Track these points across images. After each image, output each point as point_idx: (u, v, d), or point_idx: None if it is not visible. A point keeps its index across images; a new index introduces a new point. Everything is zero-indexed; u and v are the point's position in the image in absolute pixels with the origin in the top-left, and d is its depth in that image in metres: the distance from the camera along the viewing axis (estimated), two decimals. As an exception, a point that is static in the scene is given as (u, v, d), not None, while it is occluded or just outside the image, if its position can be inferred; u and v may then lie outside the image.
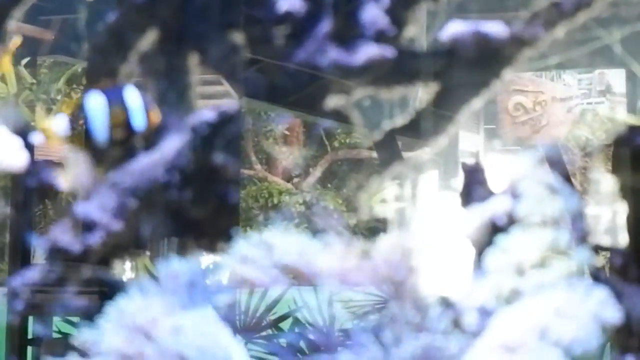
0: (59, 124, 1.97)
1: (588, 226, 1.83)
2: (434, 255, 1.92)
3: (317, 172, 14.17)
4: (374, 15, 1.79)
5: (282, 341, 4.47)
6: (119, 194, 1.82)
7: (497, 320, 1.73)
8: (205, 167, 1.84)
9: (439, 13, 1.92)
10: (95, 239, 1.83)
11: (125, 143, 1.93)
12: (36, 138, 2.02)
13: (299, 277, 1.91)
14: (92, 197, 1.85)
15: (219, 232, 1.94)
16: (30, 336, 3.96)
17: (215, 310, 1.84)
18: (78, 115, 1.97)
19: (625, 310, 1.72)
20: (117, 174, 1.84)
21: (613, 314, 1.69)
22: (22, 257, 3.93)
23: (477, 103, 1.86)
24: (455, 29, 1.82)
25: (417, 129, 1.92)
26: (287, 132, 14.15)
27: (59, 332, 4.35)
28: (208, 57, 1.87)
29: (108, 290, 1.91)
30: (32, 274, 2.02)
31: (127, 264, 2.96)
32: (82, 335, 1.82)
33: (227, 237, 1.90)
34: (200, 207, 1.88)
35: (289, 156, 14.19)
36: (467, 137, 9.45)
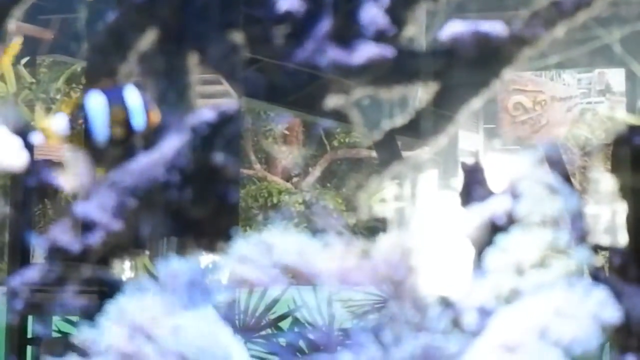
0: (58, 123, 1.97)
1: (587, 226, 1.83)
2: (433, 255, 1.92)
3: (316, 172, 14.17)
4: (373, 15, 1.79)
5: (282, 341, 4.47)
6: (119, 193, 1.82)
7: (496, 320, 1.73)
8: (204, 167, 1.84)
9: (438, 13, 1.92)
10: (95, 239, 1.82)
11: (125, 143, 1.93)
12: (36, 138, 2.02)
13: (298, 276, 1.91)
14: (92, 196, 1.85)
15: (218, 231, 1.94)
16: (29, 335, 3.96)
17: (215, 309, 1.84)
18: (77, 115, 1.97)
19: (624, 310, 1.72)
20: (116, 174, 1.84)
21: (612, 313, 1.69)
22: (21, 257, 3.93)
23: (476, 103, 1.86)
24: (454, 28, 1.82)
25: (416, 129, 1.92)
26: (286, 132, 14.15)
27: (59, 331, 4.35)
28: (208, 57, 1.87)
29: (107, 290, 1.91)
30: (32, 274, 2.02)
31: (127, 264, 2.95)
32: (82, 334, 1.82)
33: (227, 237, 1.90)
34: (199, 206, 1.88)
35: (288, 156, 14.18)
36: (466, 137, 9.44)
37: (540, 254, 1.76)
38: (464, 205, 1.88)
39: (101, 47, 1.95)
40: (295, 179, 14.35)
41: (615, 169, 1.98)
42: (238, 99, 2.00)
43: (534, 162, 1.86)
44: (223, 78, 2.04)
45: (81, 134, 1.96)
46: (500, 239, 1.79)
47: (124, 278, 2.12)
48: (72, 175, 1.96)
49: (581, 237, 1.80)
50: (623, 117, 9.55)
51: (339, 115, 1.97)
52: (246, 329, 4.53)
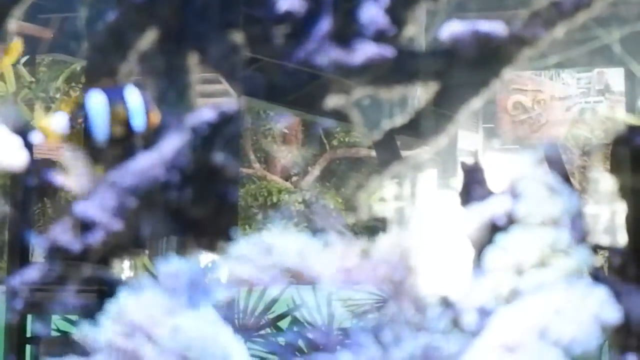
0: (58, 122, 1.97)
1: (587, 226, 1.83)
2: (433, 254, 1.92)
3: (315, 171, 14.16)
4: (373, 14, 1.79)
5: (281, 340, 4.47)
6: (118, 193, 1.82)
7: (496, 320, 1.73)
8: (204, 166, 1.84)
9: (438, 13, 1.92)
10: (95, 238, 1.82)
11: (124, 142, 1.93)
12: (35, 137, 2.02)
13: (297, 276, 1.91)
14: (91, 196, 1.85)
15: (217, 231, 1.94)
16: (29, 335, 3.96)
17: (214, 309, 1.84)
18: (77, 114, 1.97)
19: (623, 310, 1.72)
20: (116, 173, 1.84)
21: (612, 313, 1.69)
22: (20, 256, 3.93)
23: (476, 103, 1.86)
24: (454, 28, 1.82)
25: (416, 129, 1.92)
26: (285, 131, 14.14)
27: (58, 330, 4.35)
28: (208, 57, 1.86)
29: (107, 289, 1.91)
30: (31, 273, 2.02)
31: (126, 263, 2.95)
32: (82, 333, 1.82)
33: (226, 236, 1.90)
34: (199, 206, 1.88)
35: (287, 155, 14.18)
36: (465, 136, 9.44)
37: (540, 254, 1.76)
38: (464, 205, 1.87)
39: (101, 46, 1.95)
40: (294, 178, 14.34)
41: (614, 169, 1.98)
42: (238, 98, 2.00)
43: (534, 162, 1.86)
44: (223, 77, 2.04)
45: (81, 133, 1.96)
46: (500, 238, 1.79)
47: (123, 277, 2.12)
48: (71, 174, 1.96)
49: (581, 237, 1.80)
50: (622, 116, 9.55)
51: (339, 115, 1.97)
52: (245, 329, 4.53)
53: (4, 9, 1.94)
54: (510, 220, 1.80)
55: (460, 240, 1.86)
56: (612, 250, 1.94)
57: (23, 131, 2.10)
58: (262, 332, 4.62)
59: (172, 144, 1.82)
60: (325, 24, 1.79)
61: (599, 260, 1.86)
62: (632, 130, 1.98)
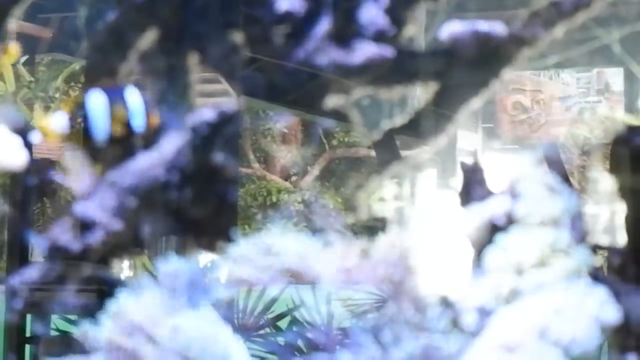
0: (58, 121, 1.97)
1: (587, 225, 1.83)
2: (433, 254, 1.92)
3: (315, 171, 14.17)
4: (373, 15, 1.79)
5: (280, 340, 4.47)
6: (118, 192, 1.82)
7: (496, 320, 1.73)
8: (204, 166, 1.84)
9: (438, 12, 1.92)
10: (94, 238, 1.82)
11: (123, 143, 1.93)
12: (34, 136, 2.01)
13: (297, 276, 1.91)
14: (91, 195, 1.85)
15: (217, 231, 1.94)
16: (28, 334, 3.96)
17: (214, 308, 1.84)
18: (76, 114, 1.97)
19: (623, 310, 1.72)
20: (116, 173, 1.84)
21: (613, 313, 1.69)
22: (20, 255, 3.93)
23: (476, 103, 1.86)
24: (454, 28, 1.82)
25: (416, 129, 1.92)
26: (285, 131, 14.14)
27: (57, 330, 4.35)
28: (208, 57, 1.87)
29: (106, 289, 1.91)
30: (31, 272, 2.02)
31: (126, 263, 2.95)
32: (81, 332, 1.82)
33: (226, 236, 1.90)
34: (198, 206, 1.88)
35: (286, 155, 14.18)
36: (465, 136, 9.45)
37: (540, 254, 1.76)
38: (464, 205, 1.87)
39: (101, 46, 1.94)
40: (293, 178, 14.35)
41: (613, 169, 1.98)
42: (237, 98, 2.00)
43: (534, 162, 1.86)
44: (223, 77, 2.04)
45: (80, 132, 1.96)
46: (500, 238, 1.79)
47: (123, 277, 2.12)
48: (71, 174, 1.96)
49: (581, 237, 1.80)
50: (622, 116, 9.56)
51: (339, 115, 1.97)
52: (245, 328, 4.53)
53: (4, 9, 1.94)
54: (510, 220, 1.80)
55: (460, 240, 1.86)
56: (611, 250, 1.94)
57: (23, 131, 2.10)
58: (262, 331, 4.62)
59: (172, 144, 1.82)
60: (325, 24, 1.79)
61: (599, 260, 1.86)
62: (632, 130, 1.98)
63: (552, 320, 1.68)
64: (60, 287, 2.02)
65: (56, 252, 1.85)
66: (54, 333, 4.24)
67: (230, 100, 1.86)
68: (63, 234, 1.84)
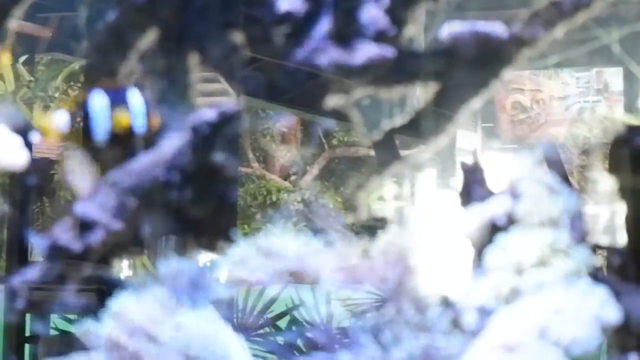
0: (58, 120, 1.97)
1: (587, 225, 1.83)
2: (432, 254, 1.92)
3: (314, 170, 14.17)
4: (373, 15, 1.79)
5: (280, 339, 4.47)
6: (118, 192, 1.82)
7: (496, 320, 1.73)
8: (204, 166, 1.84)
9: (438, 12, 1.92)
10: (94, 238, 1.82)
11: (124, 144, 1.93)
12: (34, 136, 2.01)
13: (297, 276, 1.91)
14: (91, 195, 1.85)
15: (216, 230, 1.94)
16: (28, 334, 3.96)
17: (214, 308, 1.84)
18: (76, 113, 1.97)
19: (623, 310, 1.72)
20: (116, 173, 1.84)
21: (612, 313, 1.69)
22: (19, 255, 3.94)
23: (476, 102, 1.86)
24: (454, 28, 1.82)
25: (416, 129, 1.92)
26: (284, 130, 14.14)
27: (57, 329, 4.35)
28: (208, 56, 1.86)
29: (106, 289, 1.91)
30: (30, 272, 2.02)
31: (126, 263, 2.95)
32: (81, 332, 1.82)
33: (225, 236, 1.90)
34: (198, 205, 1.88)
35: (286, 154, 14.18)
36: (464, 136, 9.45)
37: (540, 254, 1.76)
38: (464, 205, 1.88)
39: (101, 46, 1.94)
40: (293, 178, 14.34)
41: (613, 168, 1.98)
42: (237, 97, 2.00)
43: (533, 162, 1.86)
44: (223, 77, 2.04)
45: (79, 132, 1.96)
46: (500, 238, 1.79)
47: (122, 277, 2.12)
48: (72, 173, 1.96)
49: (580, 237, 1.80)
50: (621, 116, 9.56)
51: (339, 115, 1.97)
52: (244, 328, 4.53)
53: (4, 9, 1.94)
54: (510, 220, 1.80)
55: (460, 240, 1.86)
56: (611, 250, 1.94)
57: (23, 130, 2.10)
58: (261, 331, 4.62)
59: (172, 144, 1.82)
60: (325, 24, 1.79)
61: (599, 260, 1.86)
62: (631, 130, 1.98)
63: (552, 320, 1.68)
64: (60, 286, 2.02)
65: (56, 252, 1.85)
66: (53, 333, 4.24)
67: (230, 100, 1.86)
68: (63, 233, 1.84)
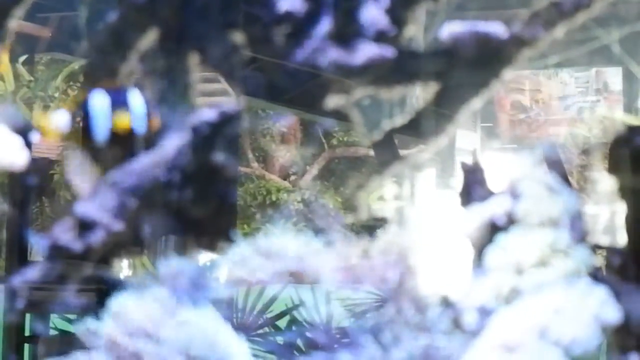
0: (59, 119, 1.97)
1: (587, 225, 1.83)
2: (432, 254, 1.92)
3: (314, 170, 14.17)
4: (374, 15, 1.79)
5: (280, 339, 4.47)
6: (118, 192, 1.82)
7: (496, 320, 1.73)
8: (204, 166, 1.84)
9: (438, 12, 1.92)
10: (94, 238, 1.82)
11: (124, 145, 1.92)
12: (34, 136, 2.01)
13: (297, 276, 1.91)
14: (91, 195, 1.85)
15: (217, 230, 1.94)
16: (27, 334, 3.96)
17: (214, 308, 1.84)
18: (76, 113, 1.97)
19: (623, 310, 1.72)
20: (116, 173, 1.84)
21: (613, 313, 1.69)
22: (19, 255, 3.94)
23: (476, 103, 1.86)
24: (454, 28, 1.82)
25: (416, 129, 1.92)
26: (284, 130, 14.15)
27: (56, 329, 4.35)
28: (208, 57, 1.87)
29: (106, 288, 1.91)
30: (30, 272, 2.02)
31: (125, 262, 2.95)
32: (81, 332, 1.82)
33: (225, 236, 1.90)
34: (198, 205, 1.88)
35: (286, 154, 14.19)
36: (464, 135, 9.45)
37: (540, 254, 1.76)
38: (464, 205, 1.88)
39: (101, 46, 1.94)
40: (292, 177, 14.35)
41: (612, 168, 1.98)
42: (237, 97, 2.00)
43: (533, 162, 1.86)
44: (223, 77, 2.04)
45: (79, 132, 1.96)
46: (500, 238, 1.79)
47: (122, 276, 2.12)
48: (72, 173, 1.96)
49: (580, 237, 1.80)
50: (620, 116, 9.56)
51: (339, 115, 1.97)
52: (244, 328, 4.53)
53: (4, 9, 1.94)
54: (510, 220, 1.81)
55: (460, 240, 1.86)
56: (611, 250, 1.94)
57: (23, 130, 2.10)
58: (261, 331, 4.63)
59: (172, 144, 1.82)
60: (325, 24, 1.79)
61: (599, 260, 1.86)
62: (631, 130, 1.98)
63: (552, 320, 1.68)
64: (60, 286, 2.02)
65: (56, 252, 1.85)
66: (53, 332, 4.24)
67: (230, 100, 1.86)
68: (63, 233, 1.84)
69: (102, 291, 2.03)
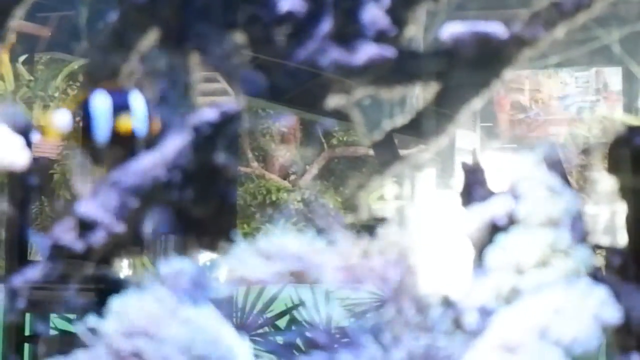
0: (60, 119, 1.96)
1: (587, 225, 1.83)
2: (433, 254, 1.92)
3: (314, 170, 14.17)
4: (374, 15, 1.79)
5: (279, 339, 4.47)
6: (119, 192, 1.82)
7: (497, 320, 1.73)
8: (204, 166, 1.84)
9: (438, 12, 1.92)
10: (94, 237, 1.82)
11: (125, 146, 1.92)
12: (34, 136, 2.01)
13: (297, 275, 1.91)
14: (91, 195, 1.85)
15: (217, 230, 1.94)
16: (27, 333, 3.96)
17: (214, 307, 1.84)
18: (77, 113, 1.97)
19: (623, 310, 1.72)
20: (117, 173, 1.84)
21: (613, 313, 1.69)
22: (19, 254, 3.94)
23: (477, 103, 1.86)
24: (454, 28, 1.82)
25: (416, 129, 1.92)
26: (284, 130, 14.15)
27: (56, 329, 4.35)
28: (209, 56, 1.87)
29: (106, 288, 1.91)
30: (30, 271, 2.02)
31: (125, 262, 2.95)
32: (81, 331, 1.82)
33: (225, 236, 1.90)
34: (198, 205, 1.88)
35: (285, 154, 14.19)
36: (463, 135, 9.45)
37: (541, 254, 1.76)
38: (465, 205, 1.88)
39: (102, 47, 1.94)
40: (292, 177, 14.35)
41: (612, 168, 1.98)
42: (238, 97, 2.00)
43: (534, 162, 1.86)
44: (224, 77, 2.04)
45: (79, 132, 1.96)
46: (501, 238, 1.79)
47: (122, 276, 2.12)
48: (72, 173, 1.96)
49: (581, 237, 1.80)
50: (620, 115, 9.57)
51: (339, 115, 1.97)
52: (244, 327, 4.53)
53: (4, 9, 1.94)
54: (511, 221, 1.81)
55: (461, 240, 1.86)
56: (611, 250, 1.94)
57: (23, 130, 2.10)
58: (261, 331, 4.63)
59: (173, 144, 1.82)
60: (326, 24, 1.79)
61: (599, 260, 1.86)
62: (631, 130, 1.98)
63: (553, 320, 1.68)
64: (60, 286, 2.02)
65: (56, 252, 1.85)
66: (53, 332, 4.24)
67: (231, 100, 1.86)
68: (63, 233, 1.84)
69: (102, 291, 2.03)
